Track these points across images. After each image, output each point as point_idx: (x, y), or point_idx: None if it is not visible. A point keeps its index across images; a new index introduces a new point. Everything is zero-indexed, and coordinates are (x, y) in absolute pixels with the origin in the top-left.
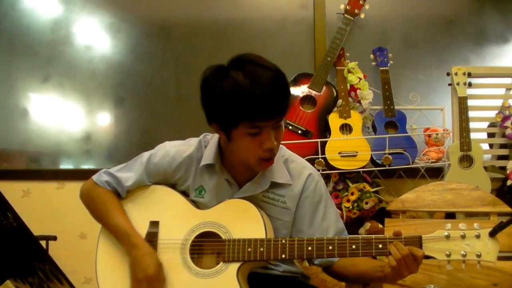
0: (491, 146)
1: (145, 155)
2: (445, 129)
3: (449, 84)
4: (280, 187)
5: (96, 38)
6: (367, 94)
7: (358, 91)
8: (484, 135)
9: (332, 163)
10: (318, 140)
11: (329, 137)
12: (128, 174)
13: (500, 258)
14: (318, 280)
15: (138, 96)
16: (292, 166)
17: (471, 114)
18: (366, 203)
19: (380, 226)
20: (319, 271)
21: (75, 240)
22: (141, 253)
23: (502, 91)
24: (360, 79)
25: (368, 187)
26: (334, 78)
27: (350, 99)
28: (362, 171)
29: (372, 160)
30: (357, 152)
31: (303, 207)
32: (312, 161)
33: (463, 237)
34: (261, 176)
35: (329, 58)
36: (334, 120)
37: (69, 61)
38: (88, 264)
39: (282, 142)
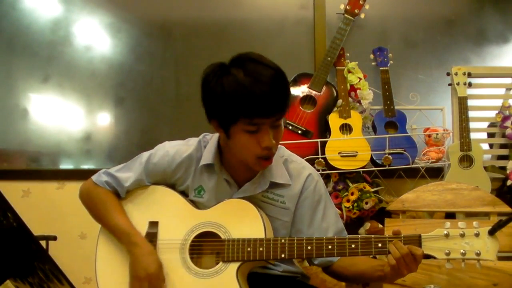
0: (491, 146)
1: (145, 155)
2: (445, 129)
3: (449, 84)
4: (279, 187)
5: (96, 38)
6: (367, 94)
7: (358, 91)
8: (484, 135)
9: (332, 163)
10: (318, 140)
11: (329, 137)
12: (127, 174)
13: (500, 258)
14: (318, 280)
15: (138, 96)
16: (291, 166)
17: (471, 114)
18: (366, 203)
19: (380, 226)
20: (319, 271)
21: (75, 240)
22: (142, 252)
23: (502, 91)
24: (360, 79)
25: (368, 187)
26: (334, 78)
27: (350, 99)
28: (362, 171)
29: (372, 160)
30: (357, 152)
31: (302, 207)
32: (312, 161)
33: (462, 235)
34: (261, 176)
35: (329, 58)
36: (334, 120)
37: (69, 61)
38: (88, 264)
39: (282, 142)
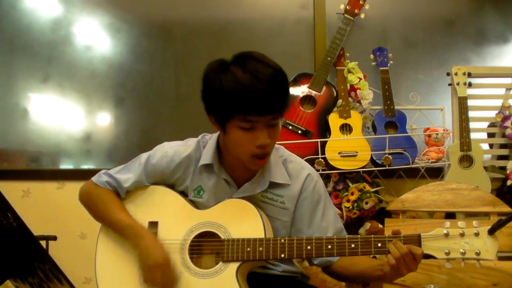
0: (491, 146)
1: (144, 156)
2: (445, 129)
3: (449, 84)
4: (278, 187)
5: (96, 38)
6: (367, 94)
7: (358, 91)
8: (484, 135)
9: (332, 163)
10: (318, 140)
11: (329, 137)
12: (127, 176)
13: (500, 258)
14: (318, 280)
15: (138, 96)
16: (290, 166)
17: (471, 114)
18: (366, 203)
19: (380, 226)
20: (319, 271)
21: (75, 240)
22: (149, 243)
23: (502, 91)
24: (360, 79)
25: (368, 187)
26: (334, 78)
27: (350, 99)
28: (362, 171)
29: (372, 160)
30: (357, 152)
31: (302, 207)
32: (312, 161)
33: (462, 235)
34: (260, 176)
35: (329, 58)
36: (334, 120)
37: (69, 61)
38: (88, 264)
39: (282, 142)
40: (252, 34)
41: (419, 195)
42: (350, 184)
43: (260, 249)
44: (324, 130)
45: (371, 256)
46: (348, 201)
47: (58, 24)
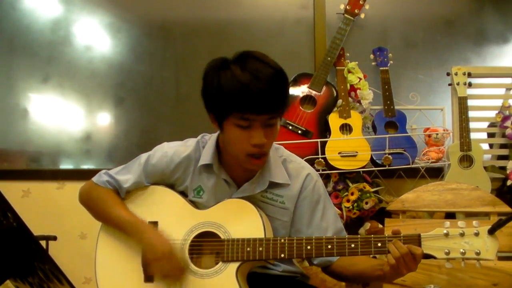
0: (491, 146)
1: (143, 156)
2: (445, 129)
3: (449, 84)
4: (278, 187)
5: (96, 38)
6: (367, 94)
7: (358, 91)
8: (484, 135)
9: (332, 163)
10: (318, 140)
11: (329, 137)
12: (126, 176)
13: (500, 258)
14: (318, 280)
15: (138, 96)
16: (290, 166)
17: (471, 114)
18: (366, 203)
19: (380, 226)
20: (319, 271)
21: (75, 240)
22: (152, 235)
23: (502, 91)
24: (360, 79)
25: (368, 187)
26: (334, 78)
27: (350, 99)
28: (362, 171)
29: (372, 160)
30: (357, 152)
31: (301, 207)
32: (312, 161)
33: (462, 235)
34: (260, 176)
35: (329, 58)
36: (334, 120)
37: (69, 61)
38: (88, 264)
39: (282, 142)
40: (252, 34)
41: (419, 195)
42: (350, 184)
43: (260, 249)
44: (324, 130)
45: (371, 256)
46: (348, 201)
47: (58, 24)
